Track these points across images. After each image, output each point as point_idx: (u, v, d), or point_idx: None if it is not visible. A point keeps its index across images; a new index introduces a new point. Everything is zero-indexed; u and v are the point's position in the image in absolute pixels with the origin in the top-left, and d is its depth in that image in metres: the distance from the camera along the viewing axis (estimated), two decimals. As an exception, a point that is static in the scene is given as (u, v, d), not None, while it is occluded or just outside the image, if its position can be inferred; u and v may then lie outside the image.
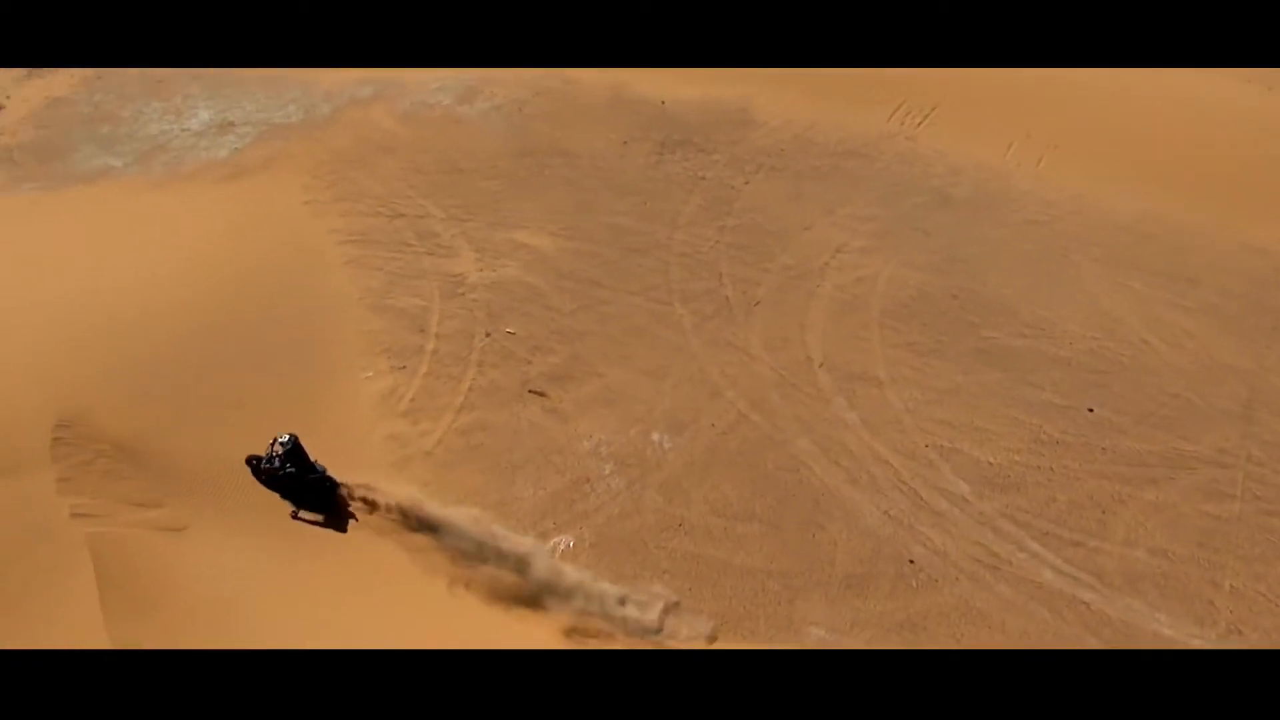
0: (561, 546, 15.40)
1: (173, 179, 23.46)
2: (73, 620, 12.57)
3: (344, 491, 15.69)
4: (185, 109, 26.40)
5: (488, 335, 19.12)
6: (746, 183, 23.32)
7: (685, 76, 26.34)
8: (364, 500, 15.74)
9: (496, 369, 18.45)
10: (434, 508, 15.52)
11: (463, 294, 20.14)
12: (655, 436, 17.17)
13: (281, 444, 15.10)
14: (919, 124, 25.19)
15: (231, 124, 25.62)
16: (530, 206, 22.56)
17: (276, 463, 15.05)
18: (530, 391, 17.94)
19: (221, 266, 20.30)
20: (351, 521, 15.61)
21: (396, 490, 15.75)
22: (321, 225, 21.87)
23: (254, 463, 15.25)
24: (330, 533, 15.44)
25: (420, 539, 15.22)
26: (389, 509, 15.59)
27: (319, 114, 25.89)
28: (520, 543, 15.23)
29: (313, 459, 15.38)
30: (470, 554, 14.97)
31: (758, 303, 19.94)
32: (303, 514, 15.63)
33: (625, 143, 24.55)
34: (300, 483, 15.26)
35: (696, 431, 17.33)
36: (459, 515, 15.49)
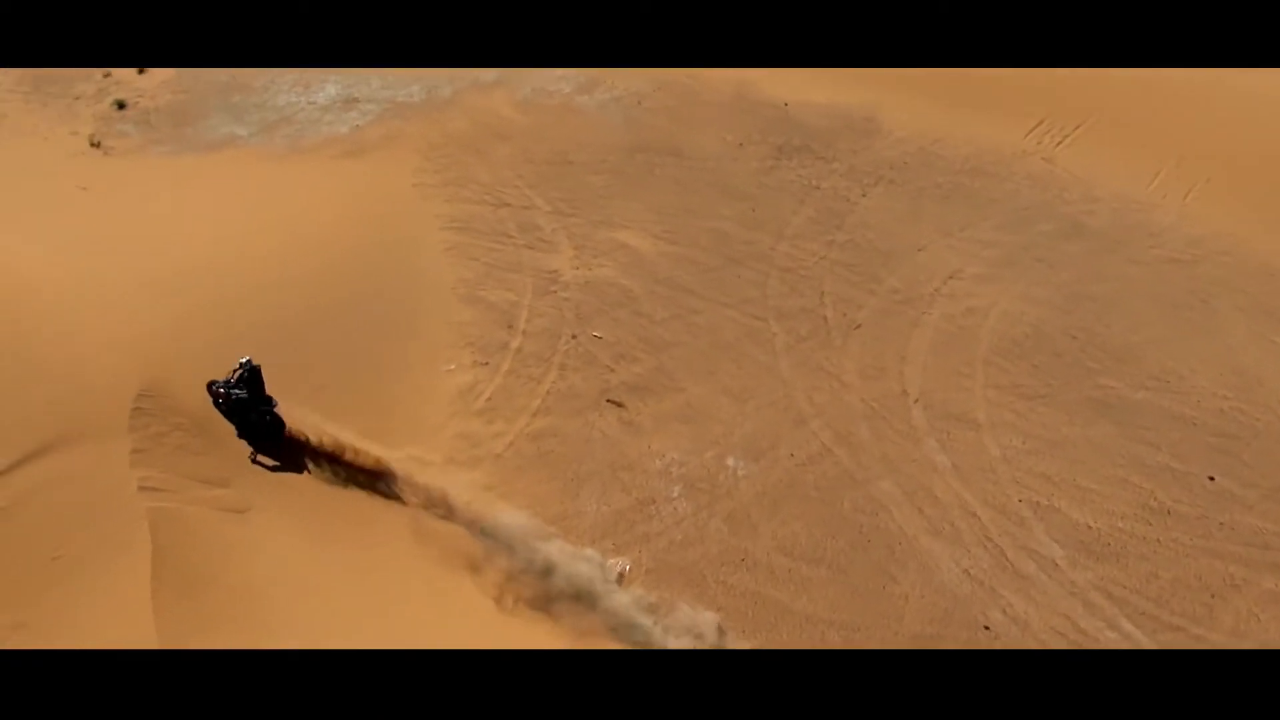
0: (617, 569, 14.88)
1: (293, 151, 23.82)
2: (124, 593, 12.79)
3: (289, 432, 15.94)
4: (314, 82, 26.79)
5: (574, 337, 18.71)
6: (863, 195, 22.22)
7: (814, 78, 25.36)
8: (305, 439, 15.95)
9: (578, 374, 18.04)
10: (376, 450, 15.91)
11: (555, 292, 19.78)
12: (730, 461, 16.48)
13: (240, 364, 15.41)
14: (1059, 143, 23.53)
15: (356, 100, 25.87)
16: (635, 205, 22.02)
17: (233, 381, 15.33)
18: (608, 401, 17.47)
19: (327, 245, 20.44)
20: (398, 509, 15.46)
21: (336, 431, 16.02)
22: (427, 209, 21.83)
23: (212, 386, 15.56)
24: (381, 528, 15.30)
25: (474, 546, 14.98)
26: (325, 446, 15.92)
27: (440, 95, 25.89)
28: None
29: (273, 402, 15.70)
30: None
31: (857, 326, 18.94)
32: (260, 458, 15.69)
33: (741, 145, 23.72)
34: (247, 410, 15.45)
35: (773, 461, 16.56)
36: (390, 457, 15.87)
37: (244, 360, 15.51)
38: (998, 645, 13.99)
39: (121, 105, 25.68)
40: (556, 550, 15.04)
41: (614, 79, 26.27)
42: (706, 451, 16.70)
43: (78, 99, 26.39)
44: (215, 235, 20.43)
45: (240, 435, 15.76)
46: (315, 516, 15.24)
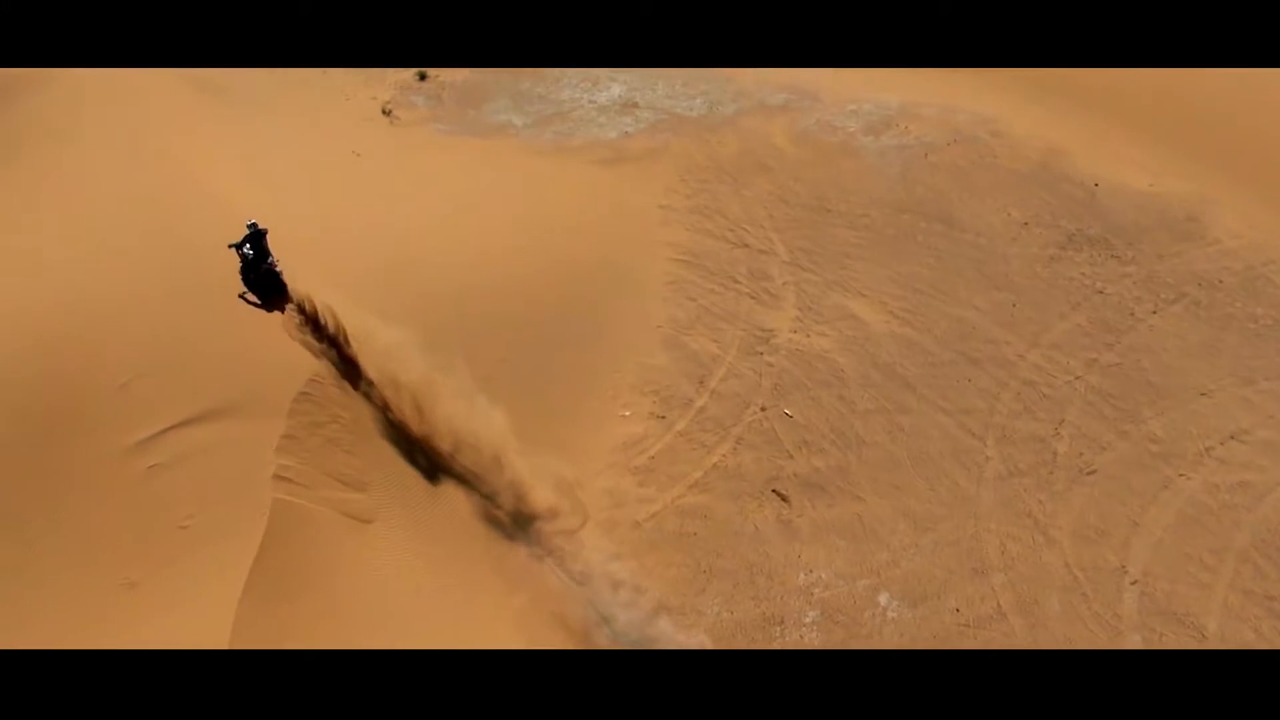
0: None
1: (557, 150, 23.71)
2: (219, 584, 12.99)
3: (291, 294, 17.17)
4: (603, 80, 26.57)
5: (763, 410, 17.23)
6: (1153, 312, 18.84)
7: (1138, 160, 21.88)
8: (300, 308, 16.99)
9: (752, 452, 16.57)
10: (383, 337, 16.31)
11: (761, 354, 18.32)
12: (883, 599, 14.47)
13: (249, 226, 16.90)
14: None
15: (635, 105, 25.38)
16: (881, 272, 19.97)
17: (241, 239, 16.86)
18: (773, 492, 15.93)
19: (553, 250, 20.22)
20: (523, 556, 14.86)
21: (341, 317, 16.66)
22: (664, 235, 20.99)
23: (230, 246, 16.95)
24: (500, 574, 14.71)
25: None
26: (314, 319, 16.83)
27: (720, 113, 24.83)
28: None
29: (272, 256, 17.04)
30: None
31: (1091, 472, 16.05)
32: (247, 295, 17.06)
33: (1026, 224, 20.87)
34: (254, 266, 16.92)
35: (933, 611, 14.36)
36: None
37: (250, 223, 16.95)
38: None
39: (423, 76, 26.69)
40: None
41: (908, 123, 24.04)
42: (860, 579, 14.75)
43: (383, 71, 27.73)
44: (453, 222, 20.64)
45: (248, 287, 17.18)
46: (439, 542, 14.91)
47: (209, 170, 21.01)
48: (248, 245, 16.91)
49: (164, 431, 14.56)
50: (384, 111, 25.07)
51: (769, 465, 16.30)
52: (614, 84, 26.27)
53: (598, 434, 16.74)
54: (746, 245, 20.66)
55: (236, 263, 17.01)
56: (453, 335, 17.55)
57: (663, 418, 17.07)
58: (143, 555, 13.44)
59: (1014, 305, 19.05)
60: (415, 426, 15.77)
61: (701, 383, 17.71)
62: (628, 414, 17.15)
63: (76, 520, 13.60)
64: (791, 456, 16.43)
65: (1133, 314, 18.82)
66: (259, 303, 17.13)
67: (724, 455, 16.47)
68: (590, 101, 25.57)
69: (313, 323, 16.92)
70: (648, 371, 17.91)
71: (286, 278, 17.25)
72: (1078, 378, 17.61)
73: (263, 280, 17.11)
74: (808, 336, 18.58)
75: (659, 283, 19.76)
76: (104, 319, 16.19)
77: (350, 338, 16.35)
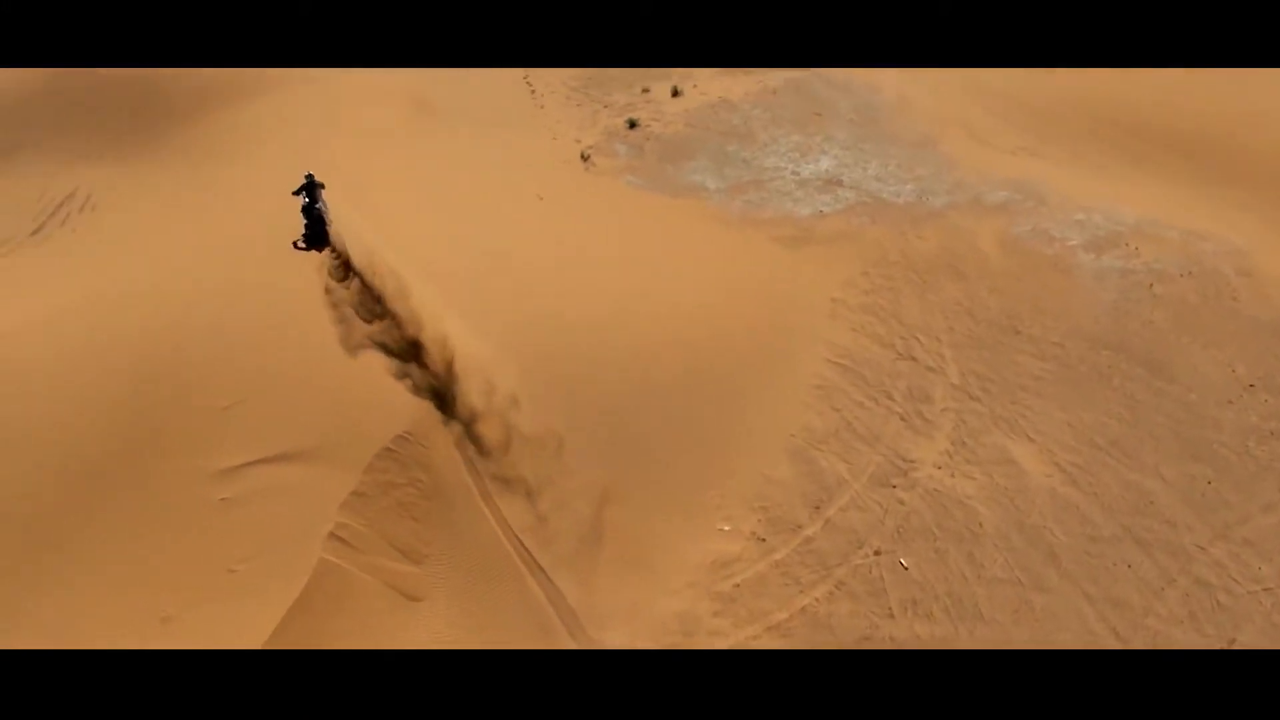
0: None
1: (743, 220, 22.72)
2: (243, 640, 12.98)
3: (334, 239, 19.07)
4: (814, 151, 25.35)
5: (877, 554, 15.53)
6: (1390, 527, 15.53)
7: None
8: (338, 256, 18.83)
9: (850, 602, 14.94)
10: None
11: (895, 487, 16.59)
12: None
13: (306, 177, 19.03)
14: None
15: (839, 183, 23.96)
16: (1058, 416, 17.65)
17: (299, 186, 18.98)
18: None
19: (704, 328, 19.42)
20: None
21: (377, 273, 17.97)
22: (826, 332, 19.57)
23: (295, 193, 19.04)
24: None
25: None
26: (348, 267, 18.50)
27: (929, 204, 22.99)
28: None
29: (321, 204, 18.99)
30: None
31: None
32: (298, 243, 19.12)
33: (1251, 386, 17.87)
34: (306, 211, 18.90)
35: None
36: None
37: (307, 174, 19.08)
38: None
39: (633, 124, 26.43)
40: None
41: (1141, 243, 21.29)
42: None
43: (605, 107, 27.73)
44: (611, 276, 20.26)
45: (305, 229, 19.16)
46: (484, 633, 14.33)
47: (382, 197, 21.61)
48: (305, 192, 19.02)
49: (248, 464, 14.81)
50: (583, 156, 24.95)
51: (864, 621, 14.61)
52: (824, 157, 24.97)
53: (689, 544, 15.63)
54: (914, 358, 18.86)
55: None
56: (571, 387, 17.08)
57: (763, 540, 15.73)
58: (185, 589, 13.64)
59: (1209, 483, 16.26)
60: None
61: (818, 508, 16.21)
62: (727, 529, 15.93)
63: (134, 538, 14.00)
64: (893, 616, 14.65)
65: (1362, 524, 15.59)
66: (304, 246, 19.19)
67: (817, 599, 14.93)
68: (793, 173, 24.38)
69: (347, 270, 18.64)
70: (763, 484, 16.60)
71: (336, 230, 19.15)
72: (1267, 589, 14.72)
73: (310, 221, 19.11)
74: (952, 476, 16.63)
75: (805, 384, 18.35)
76: (218, 340, 16.78)
77: (389, 298, 17.52)
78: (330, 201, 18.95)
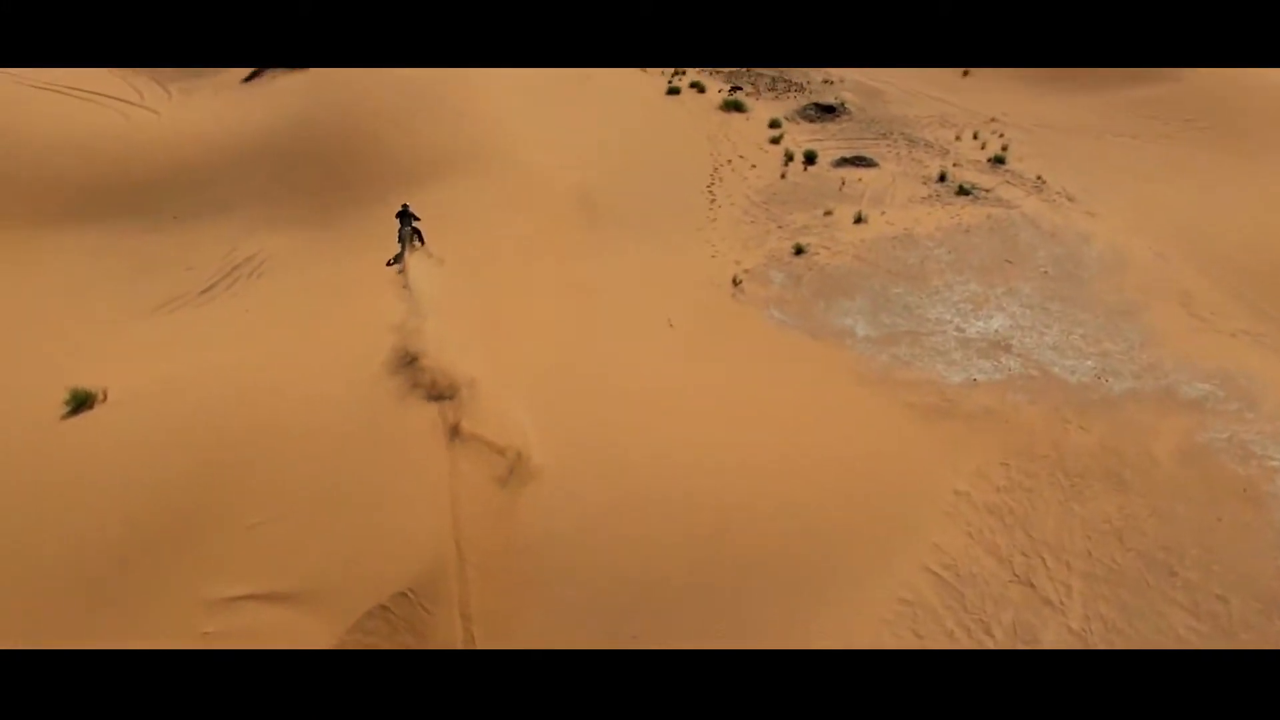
0: None
1: (883, 379, 20.42)
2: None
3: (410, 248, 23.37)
4: (990, 305, 22.63)
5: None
6: None
7: None
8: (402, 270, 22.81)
9: None
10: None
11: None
12: None
13: (404, 205, 23.81)
14: None
15: (1007, 348, 21.14)
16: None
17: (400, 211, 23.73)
18: None
19: (797, 498, 17.32)
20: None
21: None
22: (937, 530, 17.03)
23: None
24: None
25: None
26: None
27: (1106, 388, 19.83)
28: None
29: (412, 226, 23.53)
30: None
31: None
32: (392, 263, 23.37)
33: None
34: (405, 224, 23.50)
35: None
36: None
37: (404, 204, 23.82)
38: None
39: (799, 251, 24.75)
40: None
41: (1371, 479, 17.22)
42: None
43: (779, 227, 26.24)
44: (714, 418, 18.76)
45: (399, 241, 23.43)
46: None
47: (509, 304, 21.12)
48: (401, 219, 23.49)
49: (243, 598, 14.35)
50: (734, 281, 23.46)
51: None
52: (999, 314, 22.22)
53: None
54: (1032, 584, 15.95)
55: None
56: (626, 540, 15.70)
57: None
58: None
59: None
60: None
61: None
62: (748, 759, 13.78)
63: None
64: None
65: None
66: (395, 261, 23.26)
67: None
68: (957, 329, 21.78)
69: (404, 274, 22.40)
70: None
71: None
72: None
73: (401, 233, 23.32)
74: None
75: (892, 595, 15.89)
76: (281, 445, 16.59)
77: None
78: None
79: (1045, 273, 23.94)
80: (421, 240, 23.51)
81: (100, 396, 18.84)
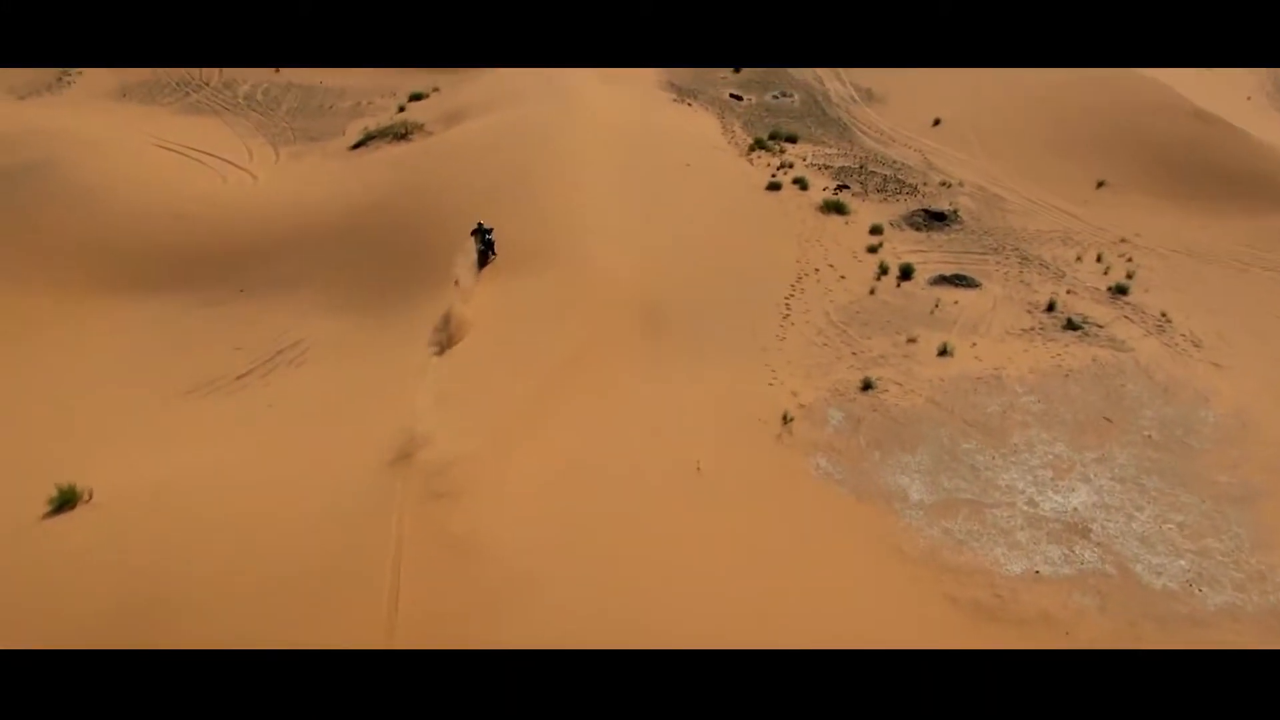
0: None
1: (927, 558, 17.81)
2: None
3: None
4: (1073, 474, 19.75)
5: None
6: None
7: None
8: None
9: None
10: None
11: None
12: None
13: (479, 223, 26.83)
14: None
15: (1085, 533, 18.19)
16: None
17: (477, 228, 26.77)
18: None
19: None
20: None
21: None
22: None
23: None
24: None
25: None
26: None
27: (1197, 600, 16.75)
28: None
29: (484, 246, 26.52)
30: None
31: None
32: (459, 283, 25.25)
33: None
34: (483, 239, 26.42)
35: None
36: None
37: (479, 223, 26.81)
38: None
39: (867, 386, 22.28)
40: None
41: None
42: None
43: (853, 354, 23.95)
44: (716, 595, 16.64)
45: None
46: None
47: (539, 433, 19.66)
48: (478, 236, 26.59)
49: None
50: (784, 418, 21.14)
51: None
52: (1083, 486, 19.40)
53: None
54: None
55: None
56: None
57: None
58: None
59: None
60: None
61: None
62: None
63: None
64: None
65: None
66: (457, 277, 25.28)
67: None
68: (1029, 502, 18.93)
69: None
70: None
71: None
72: None
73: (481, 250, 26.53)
74: None
75: None
76: (233, 584, 15.52)
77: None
78: None
79: (1149, 437, 20.69)
80: (494, 253, 26.61)
81: (85, 496, 18.17)
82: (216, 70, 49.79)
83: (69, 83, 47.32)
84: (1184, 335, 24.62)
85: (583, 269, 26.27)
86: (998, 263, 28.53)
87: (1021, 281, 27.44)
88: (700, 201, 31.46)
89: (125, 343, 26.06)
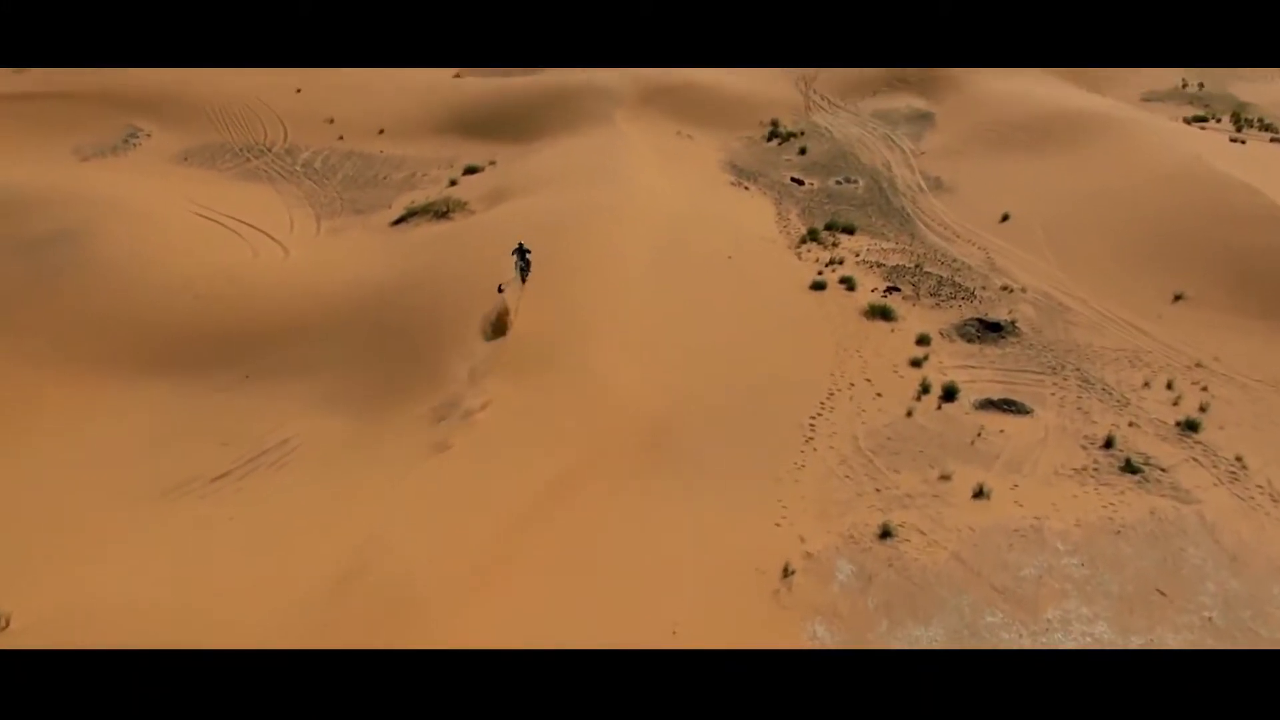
0: None
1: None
2: None
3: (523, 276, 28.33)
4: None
5: None
6: None
7: None
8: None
9: None
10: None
11: None
12: None
13: (521, 243, 28.95)
14: None
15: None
16: None
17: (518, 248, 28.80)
18: None
19: None
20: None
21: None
22: None
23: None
24: None
25: None
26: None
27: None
28: None
29: (523, 264, 28.56)
30: None
31: None
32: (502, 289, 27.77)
33: None
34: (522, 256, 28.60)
35: None
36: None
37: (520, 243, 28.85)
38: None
39: (886, 534, 20.02)
40: None
41: None
42: None
43: (877, 490, 21.71)
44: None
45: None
46: None
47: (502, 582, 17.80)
48: (518, 255, 28.60)
49: None
50: (785, 571, 19.00)
51: None
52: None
53: None
54: None
55: None
56: None
57: None
58: None
59: None
60: None
61: None
62: None
63: None
64: None
65: None
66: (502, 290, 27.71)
67: None
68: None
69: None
70: None
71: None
72: None
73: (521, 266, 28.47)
74: None
75: None
76: None
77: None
78: None
79: (1209, 619, 17.91)
80: (529, 271, 28.50)
81: (3, 623, 17.02)
82: (283, 135, 50.04)
83: (135, 144, 47.92)
84: (1261, 486, 21.63)
85: (585, 380, 24.61)
86: (1055, 385, 25.86)
87: (1079, 409, 24.73)
88: (734, 300, 29.60)
89: (120, 431, 25.23)
